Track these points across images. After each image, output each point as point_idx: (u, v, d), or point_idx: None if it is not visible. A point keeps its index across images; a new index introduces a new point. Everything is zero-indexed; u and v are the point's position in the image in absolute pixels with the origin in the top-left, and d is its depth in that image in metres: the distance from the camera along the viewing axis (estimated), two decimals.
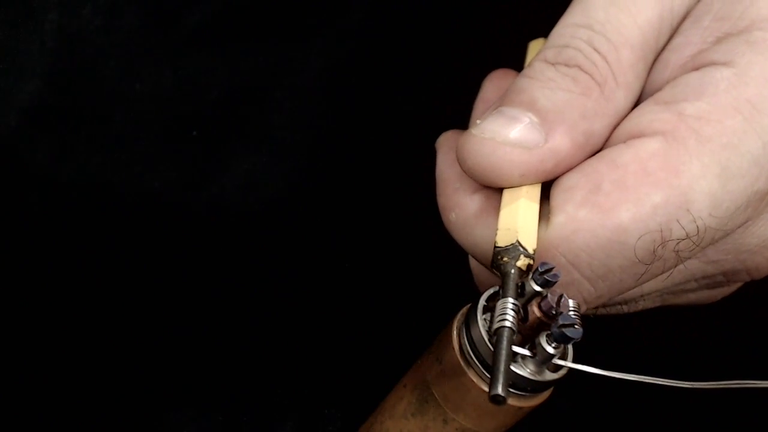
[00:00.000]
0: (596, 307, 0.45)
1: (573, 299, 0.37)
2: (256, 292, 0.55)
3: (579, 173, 0.40)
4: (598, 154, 0.40)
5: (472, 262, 0.45)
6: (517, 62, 0.49)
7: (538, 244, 0.39)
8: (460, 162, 0.41)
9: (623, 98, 0.41)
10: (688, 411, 0.51)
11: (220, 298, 0.54)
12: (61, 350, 0.52)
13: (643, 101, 0.42)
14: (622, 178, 0.39)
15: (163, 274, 0.55)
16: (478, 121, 0.41)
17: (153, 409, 0.51)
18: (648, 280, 0.41)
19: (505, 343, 0.35)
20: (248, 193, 0.57)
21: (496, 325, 0.35)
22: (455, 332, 0.39)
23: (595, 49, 0.41)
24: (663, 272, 0.40)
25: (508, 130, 0.40)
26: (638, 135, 0.40)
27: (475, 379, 0.38)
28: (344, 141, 0.59)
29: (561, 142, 0.40)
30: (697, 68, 0.41)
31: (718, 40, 0.41)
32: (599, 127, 0.41)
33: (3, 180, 0.55)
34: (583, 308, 0.41)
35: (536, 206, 0.40)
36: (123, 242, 0.55)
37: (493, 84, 0.48)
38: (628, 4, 0.41)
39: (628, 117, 0.41)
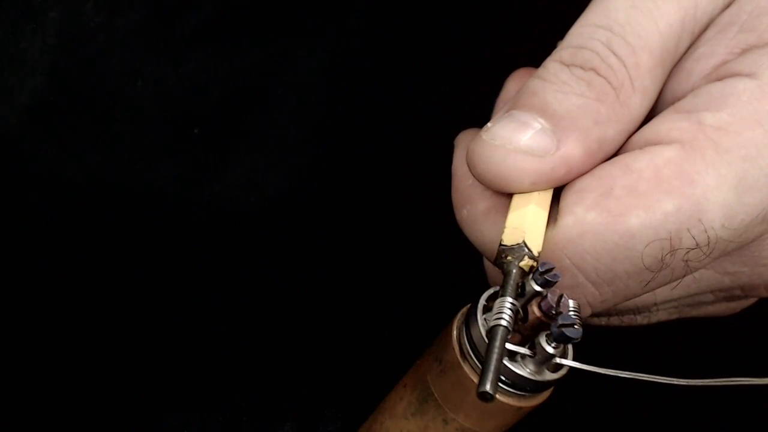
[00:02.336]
0: (608, 316, 0.45)
1: (573, 300, 0.37)
2: (256, 291, 0.55)
3: (591, 176, 0.40)
4: (612, 159, 0.40)
5: (486, 261, 0.45)
6: (521, 63, 0.48)
7: (543, 245, 0.39)
8: (470, 167, 0.41)
9: (639, 104, 0.41)
10: (688, 409, 0.51)
11: (221, 297, 0.54)
12: (61, 350, 0.52)
13: (664, 110, 0.41)
14: (635, 184, 0.38)
15: (164, 273, 0.55)
16: (489, 125, 0.41)
17: (153, 409, 0.51)
18: (655, 288, 0.40)
19: (498, 341, 0.35)
20: (249, 192, 0.57)
21: (491, 324, 0.36)
22: (455, 332, 0.39)
23: (613, 52, 0.40)
24: (672, 281, 0.40)
25: (518, 137, 0.40)
26: (655, 142, 0.39)
27: (475, 379, 0.38)
28: (346, 139, 0.58)
29: (573, 150, 0.39)
30: (720, 79, 0.40)
31: (743, 52, 0.40)
32: (613, 133, 0.40)
33: (4, 178, 0.55)
34: (588, 312, 0.40)
35: (546, 210, 0.40)
36: (124, 240, 0.55)
37: (516, 83, 0.47)
38: (650, 8, 0.41)
39: (646, 124, 0.41)
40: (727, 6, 0.42)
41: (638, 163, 0.39)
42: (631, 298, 0.41)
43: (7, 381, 0.51)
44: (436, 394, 0.39)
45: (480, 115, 0.45)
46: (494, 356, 0.34)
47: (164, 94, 0.56)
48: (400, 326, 0.53)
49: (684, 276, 0.40)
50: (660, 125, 0.40)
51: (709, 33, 0.42)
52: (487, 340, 0.37)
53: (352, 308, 0.54)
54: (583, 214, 0.38)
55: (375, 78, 0.58)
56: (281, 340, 0.53)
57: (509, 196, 0.41)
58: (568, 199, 0.39)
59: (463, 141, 0.46)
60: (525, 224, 0.39)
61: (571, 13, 0.43)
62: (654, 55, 0.41)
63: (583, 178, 0.40)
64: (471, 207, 0.43)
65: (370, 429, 0.43)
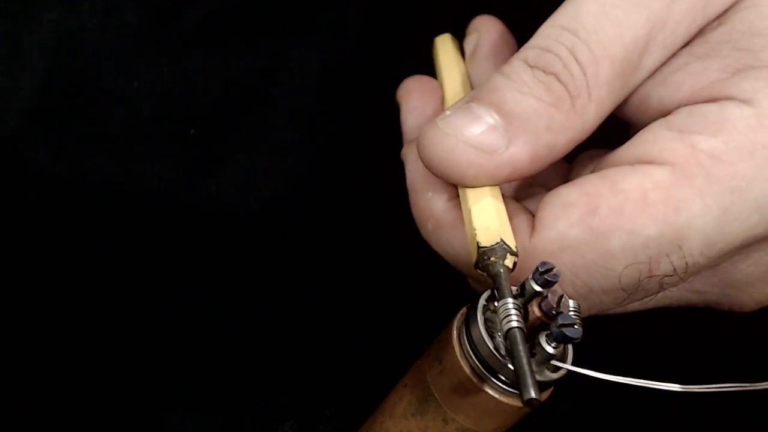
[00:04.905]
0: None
1: (573, 300, 0.37)
2: (255, 292, 0.55)
3: (578, 190, 0.40)
4: (601, 172, 0.40)
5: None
6: None
7: (521, 254, 0.39)
8: (419, 149, 0.41)
9: (593, 115, 0.40)
10: (687, 409, 0.51)
11: (219, 298, 0.54)
12: (60, 350, 0.52)
13: (650, 120, 0.41)
14: (621, 205, 0.38)
15: (162, 273, 0.55)
16: (447, 112, 0.41)
17: (153, 409, 0.51)
18: (628, 304, 0.41)
19: (520, 344, 0.34)
20: (246, 192, 0.57)
21: (504, 328, 0.35)
22: (455, 332, 0.39)
23: (576, 59, 0.40)
24: (644, 297, 0.40)
25: (471, 130, 0.40)
26: (647, 161, 0.39)
27: (475, 379, 0.38)
28: (343, 139, 0.59)
29: (522, 153, 0.40)
30: (715, 99, 0.40)
31: (738, 72, 0.40)
32: (563, 141, 0.40)
33: (2, 179, 0.55)
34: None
35: (503, 203, 0.41)
36: (121, 241, 0.55)
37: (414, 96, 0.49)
38: (620, 18, 0.40)
39: (638, 138, 0.41)
40: (714, 20, 0.41)
41: (626, 182, 0.39)
42: (604, 312, 0.41)
43: (6, 381, 0.51)
44: (436, 394, 0.39)
45: None
46: (523, 360, 0.34)
47: (160, 95, 0.56)
48: (400, 326, 0.53)
49: (657, 293, 0.41)
50: (652, 143, 0.40)
51: (701, 49, 0.41)
52: (487, 341, 0.37)
53: (351, 308, 0.54)
54: (566, 229, 0.39)
55: (372, 78, 0.58)
56: (281, 340, 0.53)
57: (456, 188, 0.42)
58: (550, 211, 0.40)
59: (410, 154, 0.46)
60: (495, 222, 0.39)
61: None
62: (615, 66, 0.40)
63: (569, 191, 0.40)
64: (435, 221, 0.43)
65: (370, 429, 0.43)
